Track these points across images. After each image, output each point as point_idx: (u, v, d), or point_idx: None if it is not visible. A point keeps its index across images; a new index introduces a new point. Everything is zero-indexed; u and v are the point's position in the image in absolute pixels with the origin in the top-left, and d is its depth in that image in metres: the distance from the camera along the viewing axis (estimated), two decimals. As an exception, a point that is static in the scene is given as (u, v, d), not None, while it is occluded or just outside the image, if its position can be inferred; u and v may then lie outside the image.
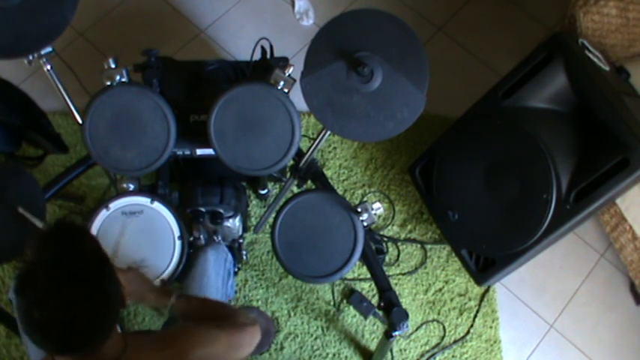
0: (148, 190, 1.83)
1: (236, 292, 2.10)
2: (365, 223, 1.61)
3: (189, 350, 1.17)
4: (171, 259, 1.63)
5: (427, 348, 2.11)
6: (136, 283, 1.32)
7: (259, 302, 2.11)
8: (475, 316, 2.16)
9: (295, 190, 1.94)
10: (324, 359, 2.06)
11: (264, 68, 1.82)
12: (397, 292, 1.70)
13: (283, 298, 2.13)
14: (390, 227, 2.28)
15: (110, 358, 1.07)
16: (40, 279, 0.93)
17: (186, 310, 1.34)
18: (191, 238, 1.80)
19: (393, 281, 2.15)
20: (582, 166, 1.75)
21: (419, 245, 2.26)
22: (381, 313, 1.72)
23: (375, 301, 2.10)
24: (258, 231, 2.19)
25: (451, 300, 2.18)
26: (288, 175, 1.88)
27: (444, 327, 2.14)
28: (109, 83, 1.57)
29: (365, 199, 2.31)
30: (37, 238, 0.98)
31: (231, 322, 1.30)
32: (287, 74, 1.56)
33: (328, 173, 2.33)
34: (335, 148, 2.39)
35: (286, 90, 1.56)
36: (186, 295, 1.35)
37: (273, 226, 1.62)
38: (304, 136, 2.35)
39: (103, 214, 1.63)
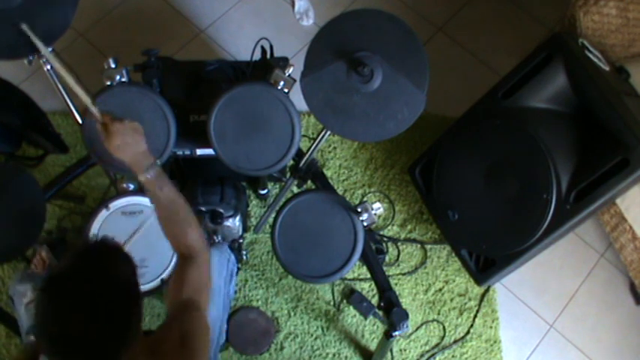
0: (148, 190, 1.83)
1: (236, 292, 2.10)
2: (365, 223, 1.61)
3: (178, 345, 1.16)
4: (172, 259, 1.64)
5: (427, 348, 2.11)
6: (127, 136, 1.26)
7: (259, 302, 2.11)
8: (475, 316, 2.16)
9: (295, 190, 1.94)
10: (324, 359, 2.06)
11: (264, 68, 1.82)
12: (397, 292, 1.70)
13: (283, 298, 2.13)
14: (390, 227, 2.28)
15: None
16: (66, 293, 0.93)
17: (154, 194, 1.27)
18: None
19: (393, 281, 2.14)
20: (582, 166, 1.75)
21: (419, 245, 2.26)
22: (381, 313, 1.72)
23: (375, 301, 2.10)
24: (258, 231, 2.19)
25: (451, 300, 2.18)
26: (288, 175, 1.88)
27: (444, 327, 2.14)
28: (109, 83, 1.57)
29: (365, 199, 2.31)
30: (78, 249, 0.98)
31: (194, 260, 1.27)
32: (287, 74, 1.57)
33: (328, 173, 2.33)
34: (335, 148, 2.39)
35: (286, 90, 1.56)
36: (163, 178, 1.27)
37: (273, 226, 1.62)
38: (304, 136, 2.35)
39: (103, 214, 1.63)
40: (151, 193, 1.27)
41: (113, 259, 1.00)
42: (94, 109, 1.27)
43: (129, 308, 1.00)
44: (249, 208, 2.22)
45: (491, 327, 2.16)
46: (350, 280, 2.17)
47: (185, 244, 1.27)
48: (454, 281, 2.21)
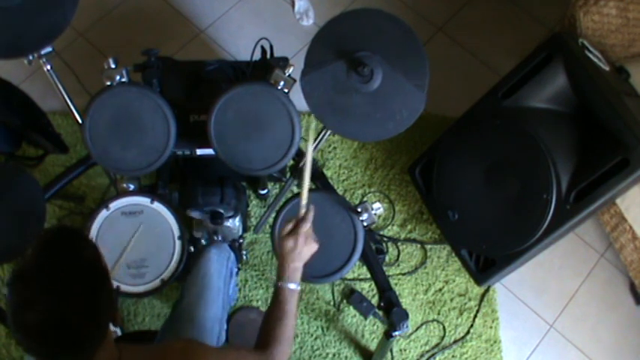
0: (148, 190, 1.83)
1: (238, 293, 2.10)
2: (365, 223, 1.61)
3: None
4: (171, 259, 1.63)
5: (427, 348, 2.11)
6: (312, 239, 1.36)
7: (259, 302, 2.11)
8: (475, 316, 2.16)
9: (295, 190, 1.94)
10: (324, 359, 2.06)
11: (264, 68, 1.82)
12: (397, 292, 1.70)
13: (283, 298, 2.12)
14: (390, 227, 2.28)
15: None
16: (34, 280, 0.94)
17: (281, 301, 1.32)
18: (192, 238, 1.80)
19: (393, 281, 2.14)
20: (582, 166, 1.75)
21: (419, 245, 2.26)
22: (381, 313, 1.72)
23: (375, 301, 2.10)
24: (258, 231, 2.19)
25: (451, 300, 2.18)
26: (288, 175, 1.88)
27: (444, 327, 2.14)
28: (109, 83, 1.57)
29: (365, 199, 2.31)
30: (38, 238, 0.99)
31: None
32: (287, 74, 1.56)
33: (328, 173, 2.33)
34: (335, 148, 2.39)
35: (286, 90, 1.56)
36: (297, 297, 1.34)
37: (273, 226, 1.62)
38: (304, 138, 2.34)
39: (103, 214, 1.63)
40: (280, 299, 1.32)
41: (75, 242, 1.01)
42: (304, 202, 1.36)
43: (97, 286, 1.00)
44: (249, 208, 2.22)
45: (491, 327, 2.16)
46: (350, 280, 2.17)
47: (269, 349, 1.29)
48: (454, 281, 2.21)
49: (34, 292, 0.93)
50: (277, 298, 1.33)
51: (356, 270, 2.18)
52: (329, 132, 1.65)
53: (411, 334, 2.12)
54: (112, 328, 1.09)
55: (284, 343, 1.30)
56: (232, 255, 1.79)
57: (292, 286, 1.33)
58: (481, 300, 2.19)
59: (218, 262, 1.67)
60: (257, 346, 1.31)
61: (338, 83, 1.50)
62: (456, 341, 2.13)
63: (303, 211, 1.36)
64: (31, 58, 1.65)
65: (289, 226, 1.36)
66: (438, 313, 2.16)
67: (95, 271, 1.01)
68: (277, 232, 1.57)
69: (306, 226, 1.34)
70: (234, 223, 1.90)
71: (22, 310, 0.93)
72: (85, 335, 0.98)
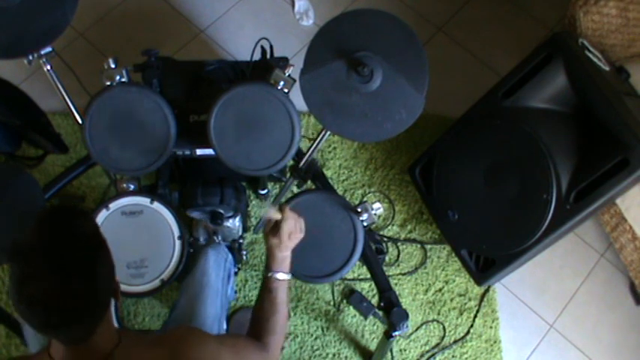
0: (148, 190, 1.83)
1: (236, 293, 2.10)
2: (365, 223, 1.61)
3: (185, 349, 1.15)
4: (171, 259, 1.63)
5: (427, 348, 2.11)
6: (298, 226, 1.39)
7: (259, 302, 2.11)
8: (475, 316, 2.16)
9: (295, 190, 1.94)
10: (324, 359, 2.06)
11: (264, 68, 1.82)
12: (397, 292, 1.70)
13: (283, 298, 2.12)
14: (390, 227, 2.28)
15: (102, 351, 1.07)
16: (34, 253, 0.95)
17: (270, 290, 1.33)
18: (191, 239, 1.80)
19: (393, 281, 2.15)
20: (582, 166, 1.75)
21: (419, 245, 2.26)
22: (381, 313, 1.72)
23: (375, 301, 2.10)
24: (258, 231, 2.19)
25: (451, 300, 2.18)
26: (288, 175, 1.88)
27: (444, 327, 2.14)
28: (109, 83, 1.57)
29: (365, 199, 2.31)
30: (39, 215, 1.00)
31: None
32: (287, 74, 1.56)
33: (328, 173, 2.33)
34: (335, 148, 2.39)
35: (286, 90, 1.56)
36: (286, 286, 1.35)
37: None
38: (304, 136, 2.35)
39: (103, 214, 1.63)
40: (269, 289, 1.34)
41: (73, 216, 1.03)
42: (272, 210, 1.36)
43: (96, 257, 1.01)
44: (249, 208, 2.22)
45: (491, 327, 2.16)
46: (350, 280, 2.17)
47: (264, 340, 1.32)
48: (454, 281, 2.21)
49: (35, 265, 0.95)
50: (266, 288, 1.34)
51: (356, 270, 2.18)
52: (328, 132, 1.65)
53: (411, 334, 2.12)
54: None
55: (277, 333, 1.32)
56: (230, 256, 1.80)
57: (281, 275, 1.34)
58: (481, 300, 2.19)
59: (216, 263, 1.67)
60: (250, 335, 1.33)
61: (338, 83, 1.50)
62: (456, 341, 2.13)
63: (277, 217, 1.35)
64: (31, 58, 1.65)
65: (271, 225, 1.36)
66: (438, 313, 2.16)
67: (94, 244, 1.02)
68: (259, 228, 1.56)
69: (287, 227, 1.35)
70: (234, 224, 1.90)
71: (23, 282, 0.95)
72: (85, 306, 0.99)
